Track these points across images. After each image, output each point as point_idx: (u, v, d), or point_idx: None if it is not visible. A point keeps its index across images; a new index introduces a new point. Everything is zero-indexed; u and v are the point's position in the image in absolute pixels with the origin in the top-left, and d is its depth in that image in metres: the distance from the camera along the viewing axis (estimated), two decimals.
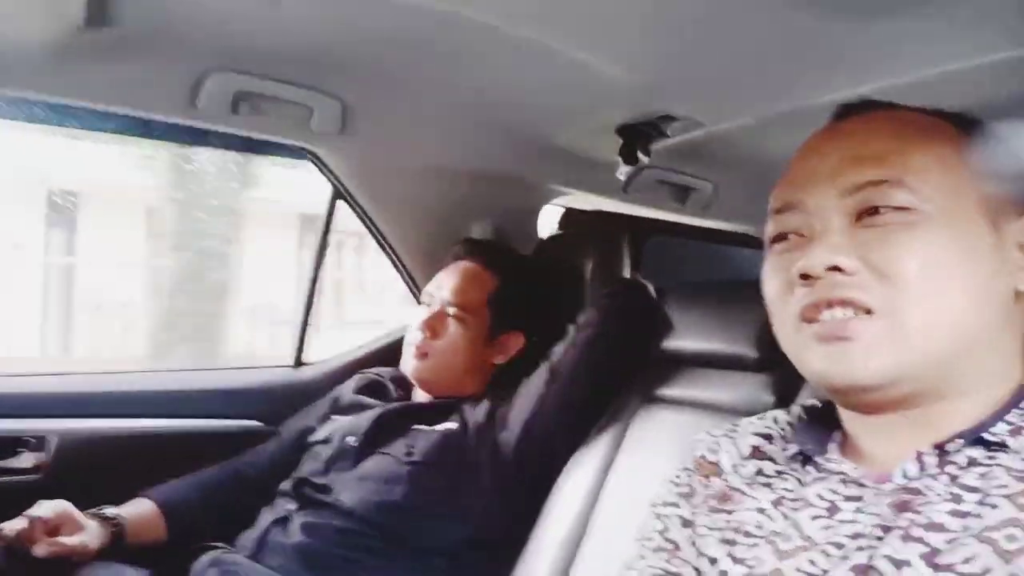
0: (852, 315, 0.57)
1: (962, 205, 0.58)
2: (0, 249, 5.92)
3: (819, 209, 0.60)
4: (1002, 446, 0.55)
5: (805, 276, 0.59)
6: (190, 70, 1.25)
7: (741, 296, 1.24)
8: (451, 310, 1.42)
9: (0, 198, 5.64)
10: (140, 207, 6.32)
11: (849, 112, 0.66)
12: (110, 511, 1.24)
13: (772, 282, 0.64)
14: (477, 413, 1.33)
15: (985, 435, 0.56)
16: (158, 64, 1.23)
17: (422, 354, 1.41)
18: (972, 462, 0.56)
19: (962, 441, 0.56)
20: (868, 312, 0.57)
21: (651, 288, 1.48)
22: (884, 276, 0.56)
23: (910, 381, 0.57)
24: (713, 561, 0.65)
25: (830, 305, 0.57)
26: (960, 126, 0.63)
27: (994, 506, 0.52)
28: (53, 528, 1.13)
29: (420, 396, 1.46)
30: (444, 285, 1.46)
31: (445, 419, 1.33)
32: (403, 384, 1.50)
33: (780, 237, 0.64)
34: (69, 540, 1.13)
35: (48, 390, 1.47)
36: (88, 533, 1.17)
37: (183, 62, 1.24)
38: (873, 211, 0.58)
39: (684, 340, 1.28)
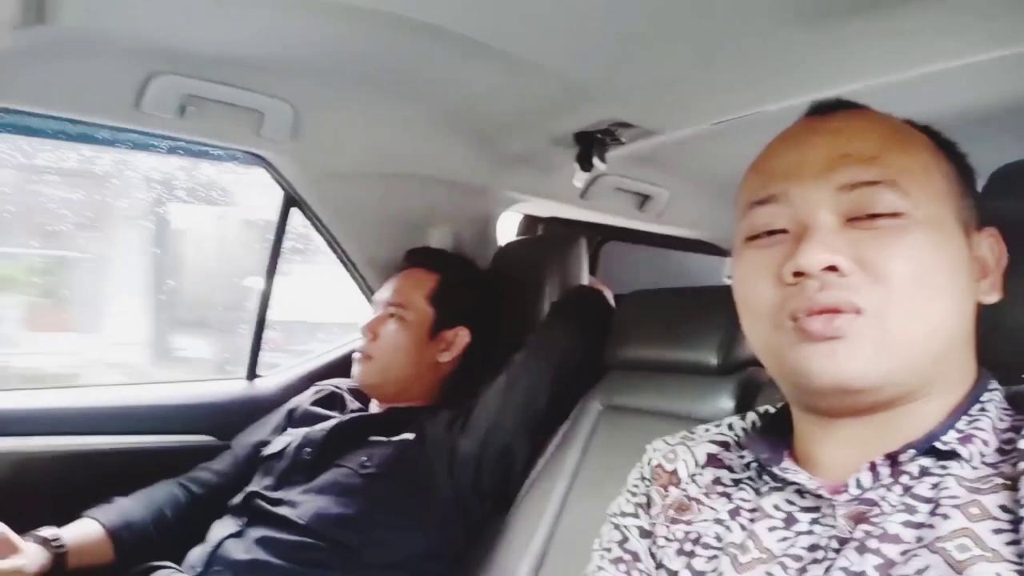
0: (841, 314, 0.55)
1: (944, 213, 0.58)
2: None
3: (807, 203, 0.59)
4: (953, 455, 0.56)
5: (798, 274, 0.57)
6: (134, 72, 1.21)
7: (700, 302, 1.24)
8: (390, 310, 1.43)
9: None
10: None
11: (826, 110, 0.64)
12: (50, 532, 1.18)
13: (750, 278, 0.61)
14: (435, 423, 1.30)
15: (936, 444, 0.56)
16: (100, 66, 1.19)
17: (366, 357, 1.42)
18: (924, 472, 0.56)
19: (914, 451, 0.56)
20: (857, 312, 0.55)
21: (609, 294, 1.48)
22: (877, 278, 0.55)
23: (892, 385, 0.57)
24: (673, 573, 0.64)
25: (824, 311, 0.55)
26: (930, 136, 0.63)
27: (946, 516, 0.52)
28: None
29: (377, 407, 1.44)
30: (385, 289, 1.48)
31: (402, 430, 1.31)
32: (360, 395, 1.47)
33: (761, 232, 0.61)
34: (3, 564, 1.07)
35: None
36: (26, 556, 1.11)
37: (126, 64, 1.20)
38: (867, 213, 0.57)
39: (643, 346, 1.28)
